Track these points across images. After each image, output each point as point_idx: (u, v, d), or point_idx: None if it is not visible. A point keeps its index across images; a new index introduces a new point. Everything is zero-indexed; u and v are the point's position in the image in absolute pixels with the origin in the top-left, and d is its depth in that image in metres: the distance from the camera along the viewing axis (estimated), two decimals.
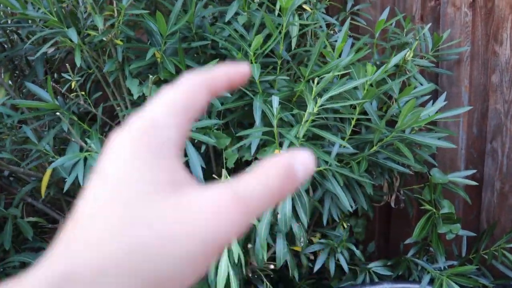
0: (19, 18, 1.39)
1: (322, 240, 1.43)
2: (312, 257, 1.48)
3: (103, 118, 1.40)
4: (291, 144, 1.07)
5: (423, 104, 1.40)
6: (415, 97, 1.30)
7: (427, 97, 1.38)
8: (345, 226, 1.49)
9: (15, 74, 1.54)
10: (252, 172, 0.21)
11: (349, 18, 1.30)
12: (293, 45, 1.36)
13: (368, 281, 1.47)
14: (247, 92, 1.26)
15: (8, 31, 1.46)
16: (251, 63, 1.18)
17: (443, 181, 1.36)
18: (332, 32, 1.53)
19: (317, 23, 1.33)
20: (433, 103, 1.39)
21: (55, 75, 1.60)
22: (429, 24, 1.54)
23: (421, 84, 1.38)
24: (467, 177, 1.41)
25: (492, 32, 1.50)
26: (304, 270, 1.51)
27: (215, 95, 0.25)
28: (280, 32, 1.22)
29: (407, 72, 1.43)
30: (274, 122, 1.12)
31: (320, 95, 1.15)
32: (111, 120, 1.49)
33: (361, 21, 1.55)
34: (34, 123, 1.39)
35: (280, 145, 1.15)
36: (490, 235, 1.48)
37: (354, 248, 1.43)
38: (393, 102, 1.46)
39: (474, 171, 1.42)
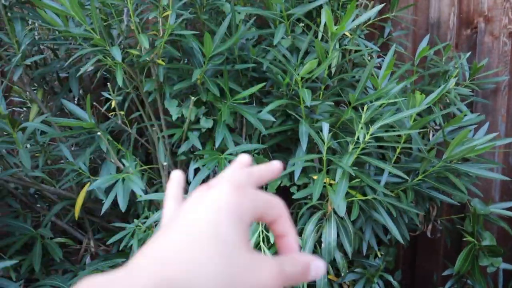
0: (58, 36, 1.37)
1: (358, 270, 1.39)
2: (344, 287, 1.44)
3: (137, 138, 1.37)
4: (343, 173, 1.04)
5: None
6: (460, 127, 1.28)
7: (473, 127, 1.35)
8: (380, 255, 1.45)
9: (47, 92, 1.51)
10: (291, 254, 0.32)
11: (394, 45, 1.28)
12: (333, 71, 1.34)
13: None
14: (292, 117, 1.23)
15: (42, 47, 1.44)
16: (299, 87, 1.16)
17: (485, 212, 1.32)
18: (368, 57, 1.52)
19: (360, 49, 1.32)
20: (473, 134, 1.37)
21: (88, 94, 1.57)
22: (468, 53, 1.52)
23: (460, 112, 1.36)
24: (506, 209, 1.38)
25: None
26: None
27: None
28: (326, 57, 1.20)
29: (448, 101, 1.41)
30: (324, 149, 1.09)
31: (368, 123, 1.13)
32: (146, 142, 1.46)
33: (399, 47, 1.54)
34: (65, 142, 1.36)
35: (328, 172, 1.12)
36: None
37: (391, 278, 1.38)
38: (430, 130, 1.44)
39: None
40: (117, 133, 1.52)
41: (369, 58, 1.53)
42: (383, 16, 1.57)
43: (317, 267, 0.31)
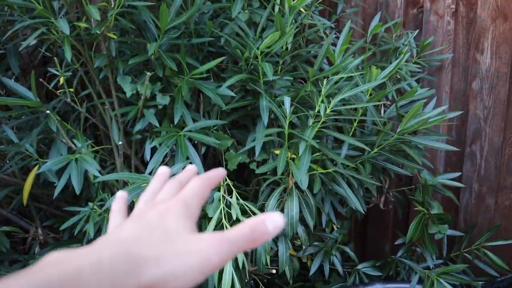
0: None
1: (316, 243, 1.42)
2: (304, 260, 1.46)
3: (89, 117, 1.30)
4: (307, 146, 1.04)
5: None
6: (412, 101, 1.33)
7: (424, 101, 1.41)
8: (336, 227, 1.49)
9: None
10: (237, 226, 0.33)
11: (349, 21, 1.30)
12: (289, 46, 1.34)
13: (358, 282, 1.48)
14: (251, 92, 1.22)
15: None
16: (259, 62, 1.14)
17: (433, 183, 1.40)
18: (323, 34, 1.53)
19: (315, 24, 1.32)
20: (423, 108, 1.43)
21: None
22: (416, 31, 1.58)
23: (410, 87, 1.41)
24: (451, 179, 1.46)
25: (474, 40, 1.58)
26: (296, 273, 1.49)
27: (211, 189, 0.39)
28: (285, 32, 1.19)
29: (399, 76, 1.46)
30: (286, 124, 1.09)
31: (327, 97, 1.14)
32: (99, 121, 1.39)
33: (352, 25, 1.56)
34: (8, 123, 1.26)
35: (290, 147, 1.12)
36: (470, 234, 1.55)
37: (348, 249, 1.43)
38: (381, 105, 1.48)
39: (459, 173, 1.48)
40: (63, 113, 1.42)
41: (323, 34, 1.55)
42: None
43: (273, 220, 0.32)
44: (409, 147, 1.20)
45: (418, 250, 1.54)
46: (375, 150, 1.25)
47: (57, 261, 0.27)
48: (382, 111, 1.46)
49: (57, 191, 1.07)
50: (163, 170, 0.44)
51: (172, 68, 1.15)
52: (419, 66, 1.56)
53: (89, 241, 1.26)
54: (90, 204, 1.16)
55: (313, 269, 1.38)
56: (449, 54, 1.62)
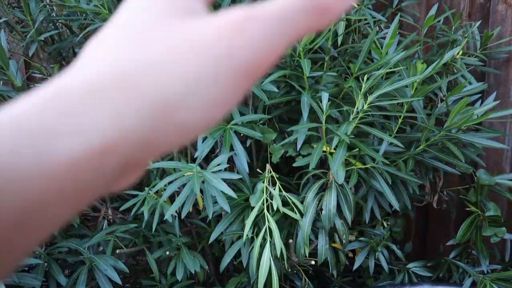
0: (70, 11, 1.43)
1: (362, 238, 1.42)
2: (350, 255, 1.48)
3: None
4: (340, 141, 1.06)
5: (470, 104, 1.37)
6: (464, 96, 1.27)
7: (476, 96, 1.35)
8: (385, 225, 1.48)
9: (63, 67, 1.58)
10: None
11: (398, 15, 1.28)
12: (339, 41, 1.35)
13: (407, 281, 1.46)
14: (296, 87, 1.26)
15: (57, 24, 1.50)
16: (300, 58, 1.18)
17: (489, 183, 1.33)
18: (378, 28, 1.51)
19: (366, 19, 1.32)
20: (481, 103, 1.36)
21: None
22: (479, 22, 1.50)
23: (470, 84, 1.35)
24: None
25: None
26: (342, 267, 1.51)
27: None
28: (329, 28, 1.21)
29: (455, 71, 1.40)
30: (323, 118, 1.12)
31: (369, 92, 1.14)
32: None
33: (408, 17, 1.53)
34: None
35: (328, 141, 1.15)
36: None
37: (394, 247, 1.41)
38: (438, 101, 1.43)
39: None
40: None
41: (377, 29, 1.53)
42: None
43: None
44: (455, 145, 1.16)
45: (474, 253, 1.47)
46: (421, 147, 1.22)
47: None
48: (438, 109, 1.42)
49: None
50: None
51: None
52: (482, 60, 1.48)
53: (147, 222, 1.39)
54: (146, 189, 1.29)
55: (356, 264, 1.39)
56: None
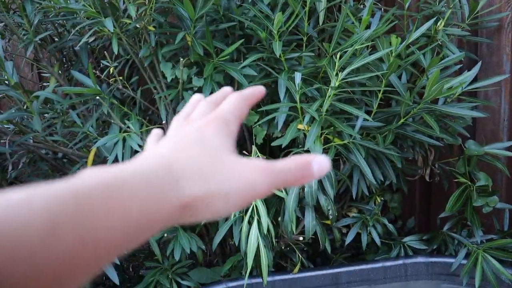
0: (61, 11, 1.51)
1: (355, 214, 1.45)
2: (345, 231, 1.51)
3: (142, 102, 1.50)
4: (311, 119, 1.09)
5: (455, 75, 1.36)
6: (445, 66, 1.27)
7: (458, 66, 1.33)
8: (379, 200, 1.50)
9: (65, 64, 1.67)
10: (283, 160, 0.32)
11: None
12: (321, 20, 1.37)
13: (402, 255, 1.48)
14: (273, 70, 1.29)
15: (56, 24, 1.58)
16: (275, 41, 1.21)
17: (478, 153, 1.32)
18: (362, 6, 1.51)
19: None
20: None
21: (101, 63, 1.71)
22: None
23: (451, 54, 1.34)
24: (507, 149, 1.36)
25: None
26: (338, 243, 1.54)
27: (249, 107, 0.38)
28: (303, 8, 1.24)
29: (440, 43, 1.39)
30: (297, 98, 1.15)
31: (343, 69, 1.16)
32: (151, 104, 1.59)
33: None
34: (81, 108, 1.51)
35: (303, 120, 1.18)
36: None
37: (386, 222, 1.43)
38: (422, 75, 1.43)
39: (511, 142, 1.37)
40: (122, 100, 1.65)
41: (362, 7, 1.53)
42: None
43: (319, 162, 0.31)
44: (433, 117, 1.16)
45: (469, 224, 1.47)
46: (401, 121, 1.23)
47: (95, 173, 0.25)
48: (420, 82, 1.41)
49: (108, 164, 1.29)
50: (197, 96, 0.41)
51: (199, 53, 1.27)
52: (471, 30, 1.46)
53: None
54: None
55: (348, 239, 1.42)
56: (508, 12, 1.48)
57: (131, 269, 1.75)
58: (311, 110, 1.08)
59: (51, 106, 1.52)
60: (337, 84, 1.10)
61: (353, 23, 1.29)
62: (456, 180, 1.36)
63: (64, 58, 1.68)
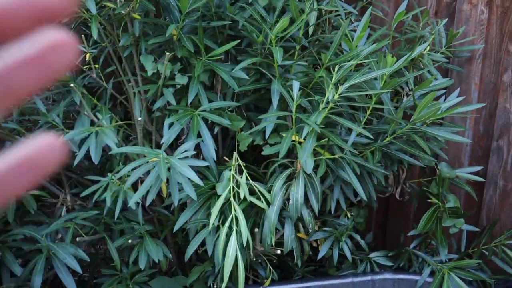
0: None
1: (327, 228, 1.44)
2: (314, 244, 1.49)
3: (115, 95, 1.38)
4: (310, 130, 1.06)
5: (435, 99, 1.40)
6: (431, 91, 1.30)
7: (444, 92, 1.38)
8: (349, 215, 1.50)
9: None
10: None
11: (370, 8, 1.29)
12: (310, 31, 1.35)
13: (369, 270, 1.49)
14: (266, 75, 1.25)
15: None
16: (272, 46, 1.17)
17: (450, 176, 1.37)
18: (349, 21, 1.52)
19: (337, 10, 1.32)
20: (445, 99, 1.40)
21: None
22: (446, 20, 1.53)
23: (436, 79, 1.38)
24: (472, 174, 1.43)
25: (508, 31, 1.51)
26: (306, 257, 1.52)
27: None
28: (302, 18, 1.20)
29: (422, 66, 1.43)
30: (293, 107, 1.11)
31: (339, 83, 1.14)
32: (119, 95, 1.47)
33: (378, 11, 1.54)
34: (39, 95, 1.36)
35: (298, 131, 1.14)
36: (490, 231, 1.51)
37: (358, 237, 1.44)
38: (404, 94, 1.46)
39: (480, 167, 1.44)
40: (96, 90, 1.51)
41: (349, 21, 1.54)
42: None
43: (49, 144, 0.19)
44: (421, 138, 1.18)
45: (433, 243, 1.52)
46: (387, 139, 1.24)
47: None
48: (404, 102, 1.44)
49: (77, 160, 1.16)
50: None
51: (189, 50, 1.20)
52: (446, 56, 1.52)
53: (108, 210, 1.35)
54: (109, 174, 1.25)
55: (321, 254, 1.41)
56: (480, 44, 1.56)
57: (85, 276, 1.60)
58: (311, 122, 1.04)
59: None
60: (336, 97, 1.08)
61: (346, 36, 1.28)
62: (429, 200, 1.40)
63: None
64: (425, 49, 1.39)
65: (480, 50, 1.57)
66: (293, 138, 1.15)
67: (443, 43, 1.55)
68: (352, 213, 1.55)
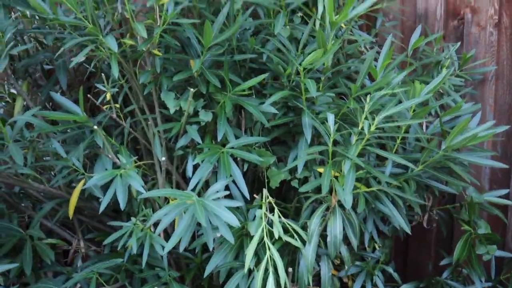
0: (42, 25, 1.30)
1: (358, 263, 1.39)
2: (345, 280, 1.43)
3: (132, 132, 1.32)
4: (352, 165, 1.02)
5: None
6: (456, 116, 1.29)
7: (469, 116, 1.37)
8: (377, 247, 1.46)
9: (32, 85, 1.43)
10: None
11: (390, 35, 1.28)
12: (330, 61, 1.33)
13: None
14: (290, 108, 1.21)
15: (27, 38, 1.36)
16: (302, 77, 1.14)
17: (479, 201, 1.35)
18: (364, 48, 1.51)
19: (356, 40, 1.31)
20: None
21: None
22: (458, 43, 1.54)
23: (455, 102, 1.38)
24: (499, 197, 1.41)
25: None
26: None
27: None
28: (329, 48, 1.18)
29: (441, 91, 1.42)
30: (330, 141, 1.07)
31: (371, 113, 1.12)
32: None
33: (392, 38, 1.54)
34: (54, 137, 1.29)
35: (334, 164, 1.10)
36: None
37: (391, 270, 1.39)
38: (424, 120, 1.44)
39: (506, 190, 1.42)
40: (106, 127, 1.45)
41: (364, 49, 1.53)
42: (374, 7, 1.57)
43: None
44: (454, 164, 1.16)
45: (464, 271, 1.48)
46: (420, 168, 1.21)
47: None
48: (424, 127, 1.43)
49: (102, 206, 1.09)
50: None
51: (215, 85, 1.16)
52: (461, 79, 1.52)
53: (131, 256, 1.27)
54: (133, 219, 1.18)
55: None
56: (492, 66, 1.57)
57: None
58: (352, 155, 1.01)
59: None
60: (373, 128, 1.05)
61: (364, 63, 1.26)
62: (462, 228, 1.37)
63: (30, 76, 1.44)
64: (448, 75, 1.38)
65: (493, 71, 1.58)
66: (333, 173, 1.11)
67: (456, 67, 1.56)
68: (379, 244, 1.51)
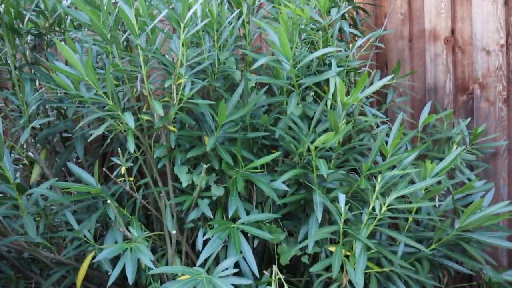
0: (64, 97, 1.36)
1: None
2: None
3: (145, 204, 1.33)
4: (363, 246, 1.01)
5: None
6: (470, 194, 1.29)
7: (482, 194, 1.36)
8: None
9: (50, 152, 1.48)
10: None
11: (401, 114, 1.31)
12: (341, 138, 1.35)
13: None
14: (300, 185, 1.22)
15: (48, 108, 1.42)
16: (313, 157, 1.16)
17: (498, 280, 1.31)
18: (386, 128, 1.54)
19: (369, 120, 1.34)
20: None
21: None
22: (468, 119, 1.57)
23: (468, 180, 1.38)
24: None
25: None
26: None
27: None
28: (341, 125, 1.21)
29: (453, 166, 1.43)
30: (341, 221, 1.07)
31: (382, 193, 1.12)
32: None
33: (398, 111, 1.57)
34: (67, 207, 1.31)
35: (344, 244, 1.10)
36: None
37: None
38: (436, 196, 1.44)
39: None
40: (118, 197, 1.47)
41: (375, 124, 1.56)
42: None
43: None
44: (468, 244, 1.14)
45: None
46: (433, 247, 1.20)
47: None
48: (437, 203, 1.42)
49: (111, 281, 1.08)
50: None
51: (228, 162, 1.18)
52: (473, 155, 1.52)
53: None
54: None
55: None
56: (503, 141, 1.58)
57: None
58: (363, 237, 1.00)
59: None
60: (384, 209, 1.05)
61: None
62: None
63: (49, 143, 1.48)
64: (460, 154, 1.39)
65: (504, 145, 1.59)
66: (344, 252, 1.10)
67: (467, 142, 1.57)
68: None
